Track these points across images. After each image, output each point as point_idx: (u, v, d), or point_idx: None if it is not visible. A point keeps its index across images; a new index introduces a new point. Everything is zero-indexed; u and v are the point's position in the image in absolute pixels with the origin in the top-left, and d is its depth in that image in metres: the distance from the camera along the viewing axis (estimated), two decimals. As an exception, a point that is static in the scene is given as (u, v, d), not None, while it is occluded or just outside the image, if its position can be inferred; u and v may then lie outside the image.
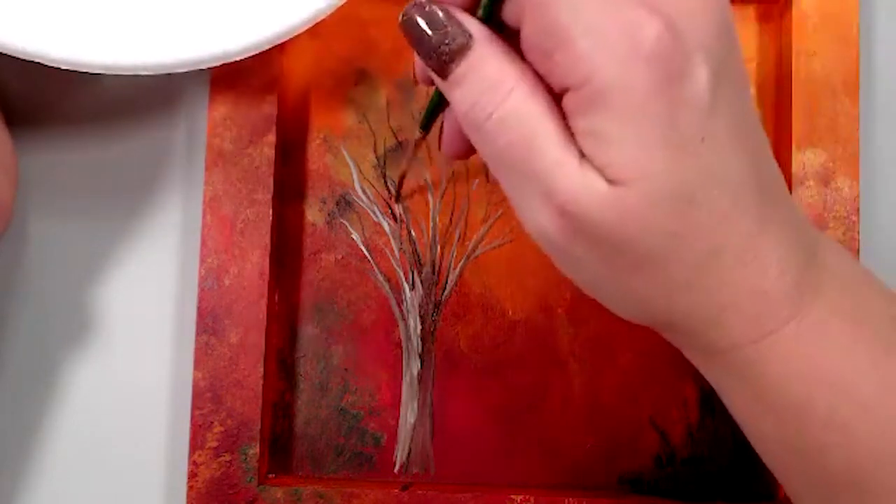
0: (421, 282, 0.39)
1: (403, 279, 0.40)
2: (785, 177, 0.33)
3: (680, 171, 0.25)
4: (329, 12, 0.35)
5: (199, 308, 0.37)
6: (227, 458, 0.37)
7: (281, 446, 0.39)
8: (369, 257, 0.40)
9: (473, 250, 0.40)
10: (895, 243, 0.40)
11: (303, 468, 0.39)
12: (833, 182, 0.38)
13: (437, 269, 0.40)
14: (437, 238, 0.40)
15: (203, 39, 0.35)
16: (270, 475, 0.38)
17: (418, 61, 0.28)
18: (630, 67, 0.24)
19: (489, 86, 0.26)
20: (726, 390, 0.29)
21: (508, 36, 0.27)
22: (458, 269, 0.40)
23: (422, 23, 0.27)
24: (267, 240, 0.38)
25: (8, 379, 0.40)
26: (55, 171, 0.40)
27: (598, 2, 0.24)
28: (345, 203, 0.40)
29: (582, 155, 0.25)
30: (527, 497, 0.37)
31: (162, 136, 0.41)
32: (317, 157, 0.41)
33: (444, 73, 0.27)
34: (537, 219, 0.26)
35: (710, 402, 0.39)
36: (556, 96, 0.26)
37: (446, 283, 0.40)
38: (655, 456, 0.39)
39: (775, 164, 0.28)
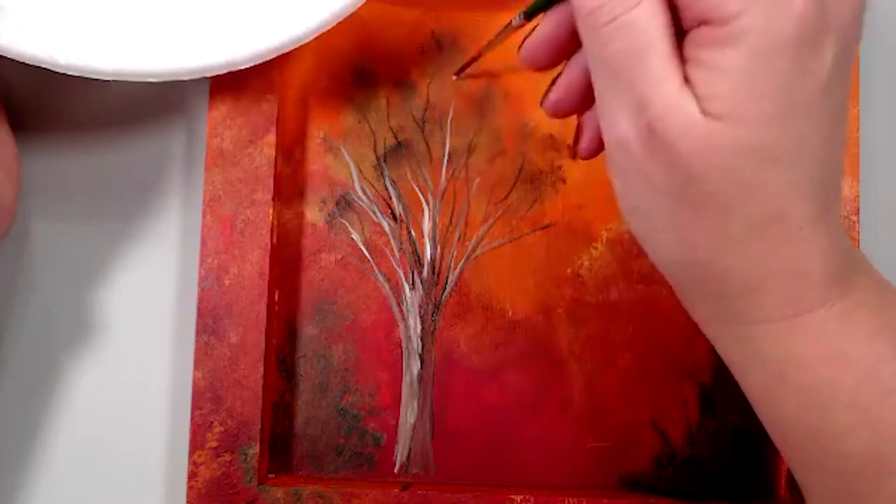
0: (421, 282, 0.39)
1: (403, 279, 0.40)
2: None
3: (778, 129, 0.25)
4: (333, 24, 0.35)
5: (199, 308, 0.37)
6: (227, 458, 0.37)
7: (281, 446, 0.39)
8: (369, 257, 0.40)
9: (473, 250, 0.40)
10: (895, 243, 0.40)
11: (303, 468, 0.39)
12: (833, 182, 0.38)
13: (437, 269, 0.40)
14: (437, 238, 0.40)
15: (209, 47, 0.36)
16: (270, 475, 0.38)
17: None
18: (777, 20, 0.24)
19: None
20: (746, 367, 0.29)
21: None
22: (458, 269, 0.40)
23: None
24: (267, 240, 0.38)
25: (9, 378, 0.40)
26: (56, 171, 0.40)
27: None
28: (345, 203, 0.40)
29: (686, 80, 0.26)
30: (527, 497, 0.37)
31: (162, 136, 0.41)
32: (317, 157, 0.41)
33: None
34: (624, 128, 0.27)
35: (710, 402, 0.39)
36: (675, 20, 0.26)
37: (446, 283, 0.40)
38: (655, 456, 0.39)
39: (841, 169, 0.29)
